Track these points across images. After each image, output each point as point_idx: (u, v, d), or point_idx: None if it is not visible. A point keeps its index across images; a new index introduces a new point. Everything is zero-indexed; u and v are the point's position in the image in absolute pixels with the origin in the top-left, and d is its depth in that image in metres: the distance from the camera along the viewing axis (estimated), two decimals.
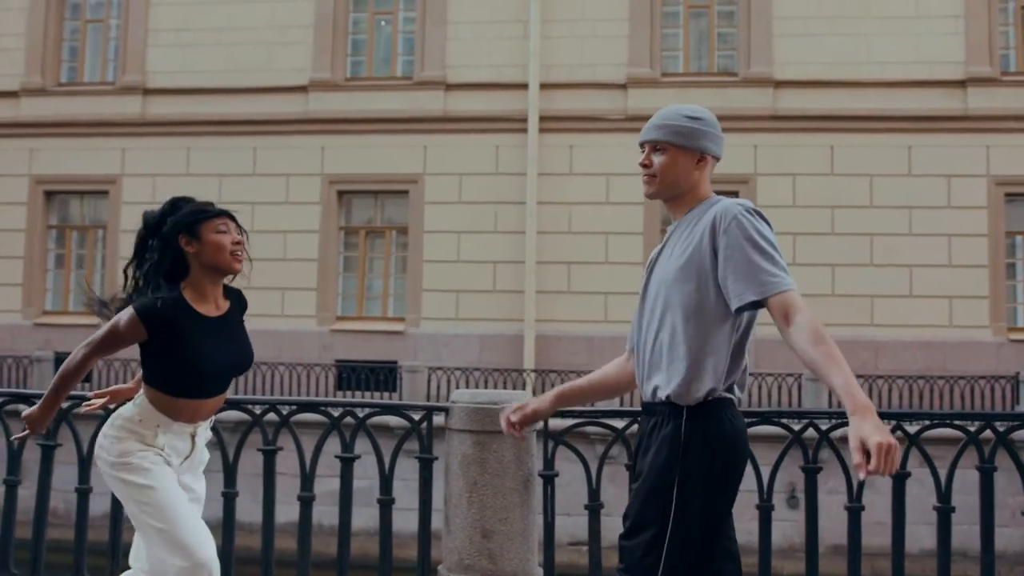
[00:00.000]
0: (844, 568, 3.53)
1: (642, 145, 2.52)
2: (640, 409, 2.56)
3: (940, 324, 14.22)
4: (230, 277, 2.97)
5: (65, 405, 3.65)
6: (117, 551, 3.79)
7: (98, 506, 3.76)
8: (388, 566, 3.75)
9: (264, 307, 15.14)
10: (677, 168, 2.45)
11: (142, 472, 2.73)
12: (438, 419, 3.70)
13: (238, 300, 2.99)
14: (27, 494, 3.84)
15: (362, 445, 3.75)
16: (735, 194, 14.48)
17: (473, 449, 3.51)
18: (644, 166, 2.49)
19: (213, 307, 2.87)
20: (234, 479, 3.82)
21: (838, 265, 14.47)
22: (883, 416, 3.97)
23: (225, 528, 3.76)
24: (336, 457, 3.75)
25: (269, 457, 3.79)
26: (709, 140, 2.46)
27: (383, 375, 14.48)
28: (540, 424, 3.53)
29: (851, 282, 14.39)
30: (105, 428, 2.85)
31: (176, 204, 2.91)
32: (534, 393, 14.03)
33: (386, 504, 3.74)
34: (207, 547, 2.74)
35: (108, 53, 16.56)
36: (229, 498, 3.79)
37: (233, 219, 2.92)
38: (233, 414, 3.88)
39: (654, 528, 2.30)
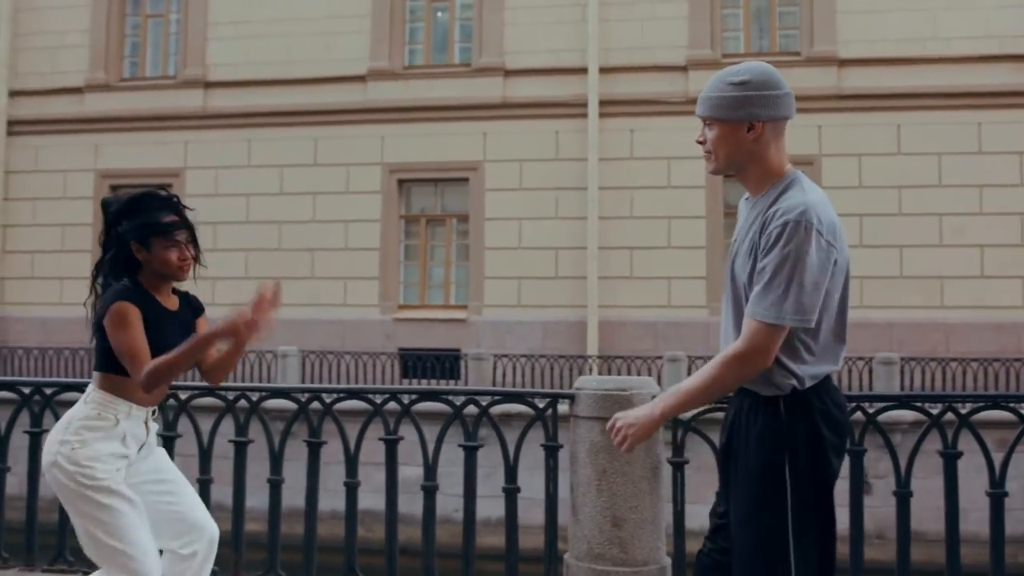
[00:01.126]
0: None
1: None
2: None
3: (1014, 305, 13.91)
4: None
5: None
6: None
7: None
8: (515, 556, 3.74)
9: (327, 296, 15.33)
10: (728, 142, 2.27)
11: (104, 492, 2.69)
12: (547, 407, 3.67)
13: (187, 301, 3.00)
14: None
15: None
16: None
17: (602, 436, 3.46)
18: (700, 143, 2.35)
19: (165, 301, 2.91)
20: (356, 470, 3.83)
21: (906, 246, 14.20)
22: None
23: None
24: (460, 446, 3.74)
25: (391, 446, 3.79)
26: (758, 105, 2.23)
27: (447, 363, 14.54)
28: None
29: (920, 263, 14.12)
30: (57, 435, 2.74)
31: (133, 204, 2.85)
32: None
33: (511, 493, 3.73)
34: (155, 563, 2.74)
35: (169, 47, 16.75)
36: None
37: (189, 229, 2.87)
38: (355, 404, 3.89)
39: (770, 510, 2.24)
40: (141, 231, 2.79)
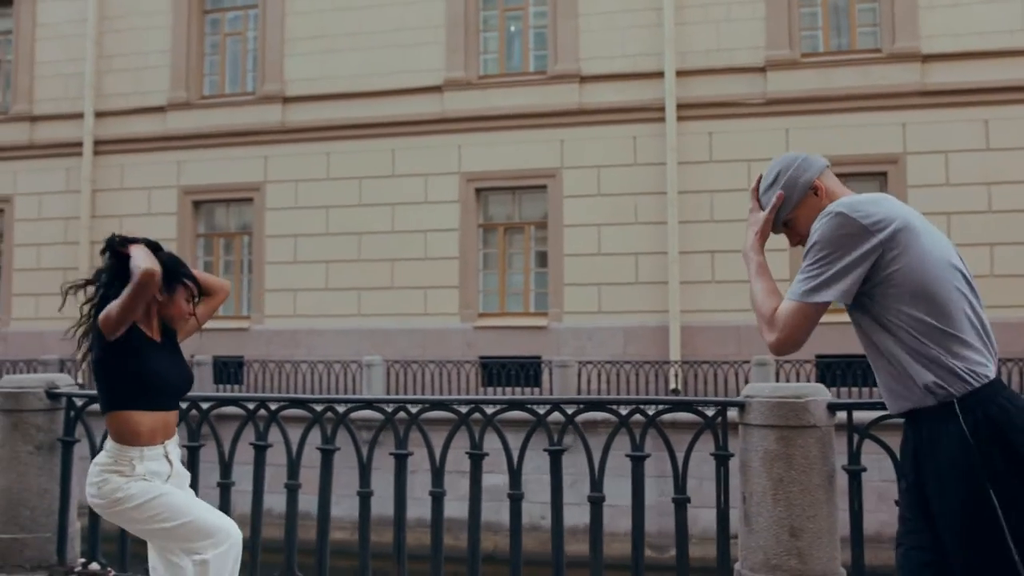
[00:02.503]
0: None
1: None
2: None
3: None
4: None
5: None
6: None
7: None
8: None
9: (407, 306, 15.45)
10: (810, 216, 2.35)
11: (135, 496, 2.92)
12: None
13: (166, 330, 3.19)
14: None
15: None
16: (883, 175, 14.12)
17: (777, 445, 3.44)
18: (797, 244, 2.49)
19: (156, 333, 3.12)
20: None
21: (997, 244, 13.85)
22: None
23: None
24: (627, 456, 3.72)
25: (556, 457, 3.79)
26: (803, 172, 2.40)
27: (528, 370, 14.55)
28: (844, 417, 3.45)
29: (1012, 262, 13.75)
30: (90, 478, 3.01)
31: (167, 253, 3.16)
32: (678, 387, 13.90)
33: (681, 504, 3.69)
34: (233, 525, 2.99)
35: (247, 64, 17.07)
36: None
37: (196, 284, 3.22)
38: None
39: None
40: (173, 276, 3.10)
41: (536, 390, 14.43)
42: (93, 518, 3.99)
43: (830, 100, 14.33)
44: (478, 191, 15.65)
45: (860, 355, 2.59)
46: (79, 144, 17.12)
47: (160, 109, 16.99)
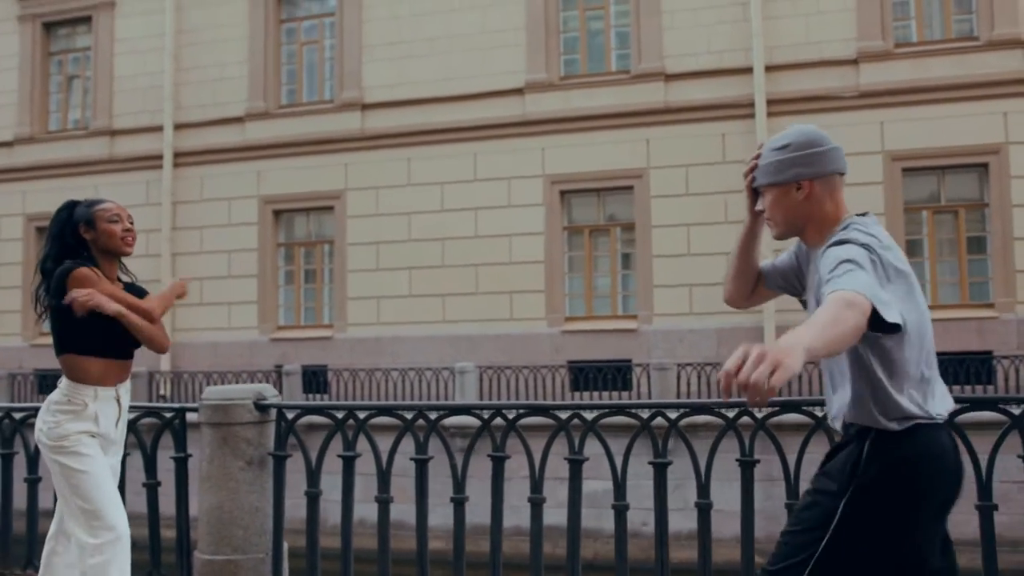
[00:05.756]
0: None
1: None
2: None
3: None
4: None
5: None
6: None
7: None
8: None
9: (493, 311, 15.28)
10: (781, 205, 2.29)
11: (77, 458, 3.10)
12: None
13: (132, 288, 3.36)
14: None
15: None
16: (983, 167, 13.66)
17: None
18: (760, 212, 2.39)
19: (112, 281, 3.28)
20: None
21: None
22: None
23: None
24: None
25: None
26: (801, 165, 2.24)
27: (618, 374, 14.29)
28: None
29: None
30: (42, 414, 3.18)
31: (72, 203, 3.32)
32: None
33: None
34: (125, 522, 3.15)
35: (324, 72, 17.05)
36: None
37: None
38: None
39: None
40: (86, 211, 3.22)
41: (626, 394, 14.15)
42: (311, 539, 3.81)
43: (925, 91, 13.92)
44: (562, 193, 15.43)
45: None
46: (159, 157, 17.21)
47: (239, 120, 17.02)
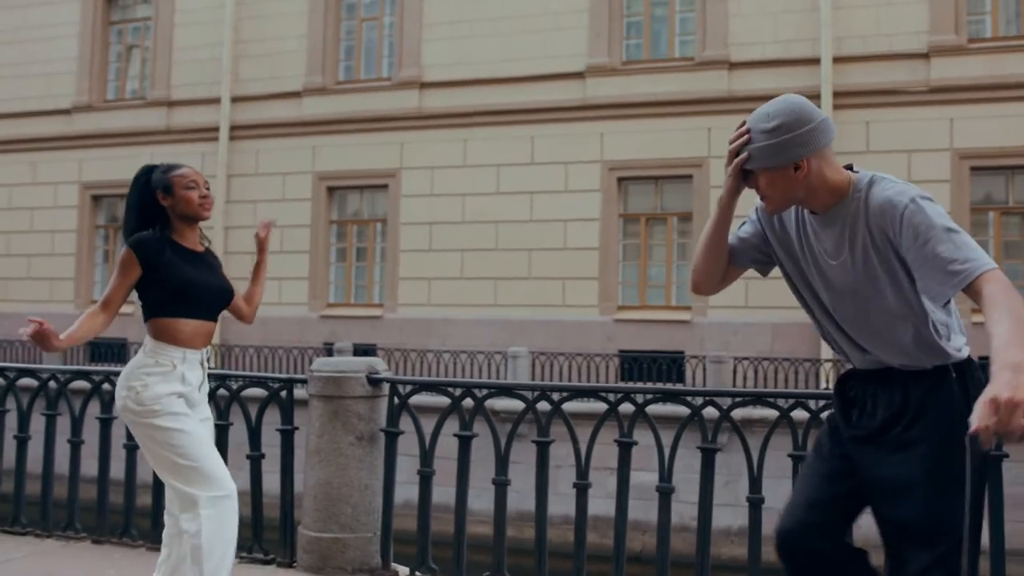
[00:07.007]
0: None
1: None
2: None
3: None
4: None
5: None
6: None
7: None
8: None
9: (545, 297, 15.18)
10: (779, 185, 2.24)
11: (172, 417, 3.05)
12: None
13: (211, 255, 3.37)
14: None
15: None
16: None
17: None
18: (754, 188, 2.32)
19: (192, 246, 3.25)
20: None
21: None
22: None
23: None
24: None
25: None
26: (797, 145, 2.17)
27: (671, 365, 14.16)
28: None
29: None
30: (123, 382, 3.11)
31: (149, 169, 3.29)
32: (829, 384, 13.33)
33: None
34: (231, 480, 3.08)
35: (383, 50, 16.97)
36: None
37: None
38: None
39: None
40: (163, 177, 3.20)
41: (680, 386, 14.02)
42: (423, 520, 3.75)
43: (999, 88, 13.58)
44: (620, 180, 15.27)
45: None
46: (215, 129, 17.24)
47: (296, 94, 17.00)
